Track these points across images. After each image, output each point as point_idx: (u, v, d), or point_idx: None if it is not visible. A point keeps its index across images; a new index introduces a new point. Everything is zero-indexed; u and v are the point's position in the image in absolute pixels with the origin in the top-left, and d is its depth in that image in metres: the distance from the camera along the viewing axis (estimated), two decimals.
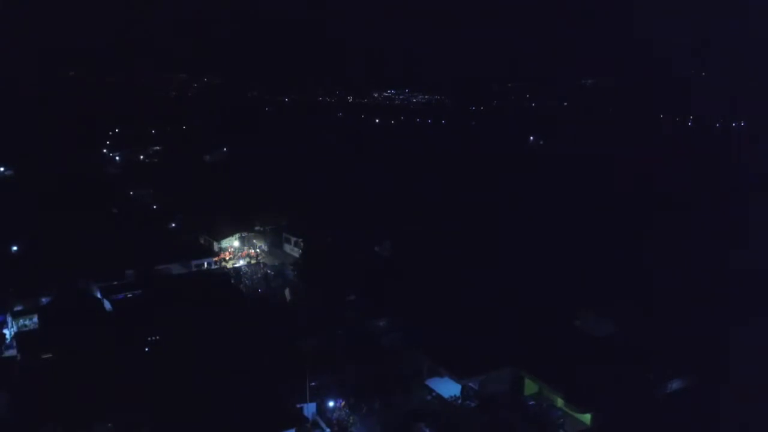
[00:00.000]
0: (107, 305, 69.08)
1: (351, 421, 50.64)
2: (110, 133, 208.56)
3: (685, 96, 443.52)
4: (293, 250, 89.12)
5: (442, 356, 57.62)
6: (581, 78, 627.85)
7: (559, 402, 54.20)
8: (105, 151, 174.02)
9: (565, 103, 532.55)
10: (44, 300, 69.65)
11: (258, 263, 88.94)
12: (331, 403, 50.86)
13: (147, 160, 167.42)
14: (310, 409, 51.77)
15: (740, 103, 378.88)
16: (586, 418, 51.89)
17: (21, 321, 67.23)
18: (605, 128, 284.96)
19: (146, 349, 56.98)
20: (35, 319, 67.94)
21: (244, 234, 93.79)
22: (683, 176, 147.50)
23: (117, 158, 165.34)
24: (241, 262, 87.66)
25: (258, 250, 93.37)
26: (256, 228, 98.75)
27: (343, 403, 51.67)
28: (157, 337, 58.36)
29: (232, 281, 78.08)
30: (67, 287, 69.90)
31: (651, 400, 52.92)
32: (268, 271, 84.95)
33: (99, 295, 72.08)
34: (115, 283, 74.96)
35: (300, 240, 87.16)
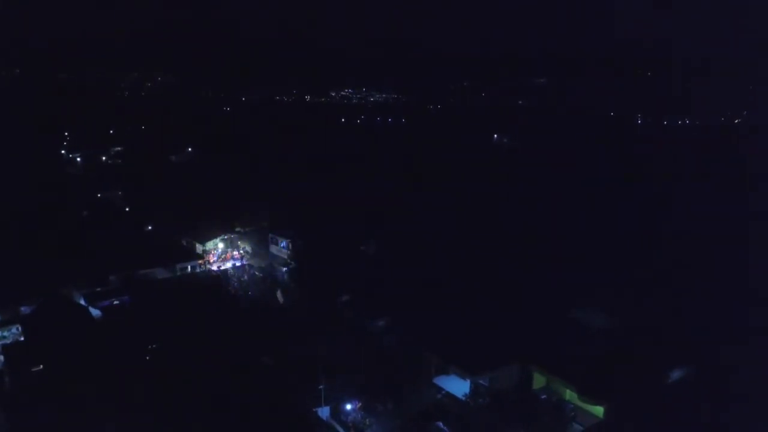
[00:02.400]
0: (94, 313, 65.80)
1: (367, 423, 49.76)
2: (65, 133, 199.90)
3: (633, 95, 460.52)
4: (280, 251, 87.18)
5: (451, 354, 57.33)
6: (534, 77, 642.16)
7: (568, 395, 54.72)
8: (63, 152, 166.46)
9: (520, 102, 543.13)
10: (24, 309, 65.78)
11: (243, 265, 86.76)
12: (348, 406, 49.81)
13: (110, 161, 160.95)
14: (323, 412, 50.67)
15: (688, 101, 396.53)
16: (597, 410, 52.42)
17: (0, 332, 63.38)
18: (565, 125, 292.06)
19: (147, 358, 54.34)
20: (13, 330, 64.33)
21: (228, 236, 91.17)
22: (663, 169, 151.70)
23: (78, 159, 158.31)
24: (228, 265, 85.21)
25: (242, 251, 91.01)
26: (237, 229, 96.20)
27: (359, 405, 50.71)
28: (157, 345, 55.79)
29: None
30: (49, 295, 66.15)
31: (656, 391, 53.91)
32: (256, 273, 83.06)
33: (83, 302, 68.60)
34: (99, 289, 71.43)
35: (288, 241, 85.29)
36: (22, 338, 61.71)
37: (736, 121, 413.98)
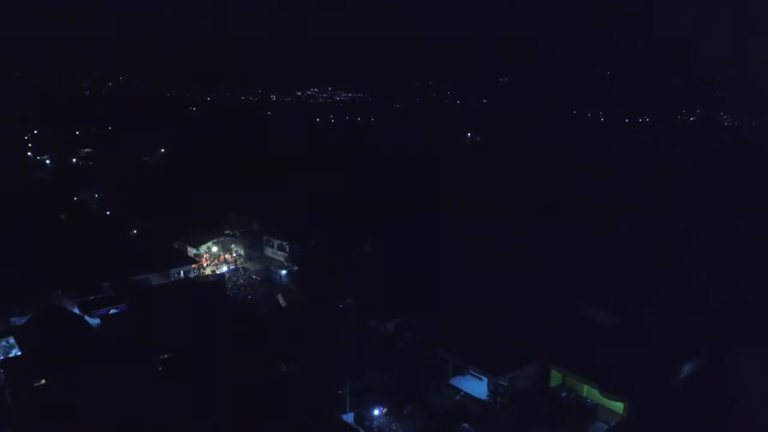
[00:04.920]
0: (91, 322, 62.88)
1: (393, 427, 48.85)
2: (27, 135, 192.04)
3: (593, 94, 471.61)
4: (276, 254, 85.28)
5: (470, 355, 56.90)
6: (499, 76, 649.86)
7: (586, 391, 54.90)
8: (30, 154, 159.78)
9: (485, 101, 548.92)
10: (15, 320, 62.49)
11: (238, 269, 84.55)
12: (376, 412, 48.77)
13: (81, 163, 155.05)
14: (347, 419, 49.53)
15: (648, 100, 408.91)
16: (617, 406, 52.68)
17: None
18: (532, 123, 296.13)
19: (160, 368, 52.08)
20: (3, 343, 60.97)
21: (220, 239, 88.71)
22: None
23: (47, 162, 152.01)
24: (224, 268, 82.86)
25: (235, 254, 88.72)
26: (226, 232, 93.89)
27: (385, 410, 49.70)
28: (168, 355, 53.54)
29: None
30: (41, 304, 63.00)
31: (673, 386, 54.52)
32: (253, 276, 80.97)
33: (77, 311, 65.51)
34: (92, 297, 68.41)
35: (285, 243, 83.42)
36: (17, 350, 58.54)
37: (692, 119, 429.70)
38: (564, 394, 54.46)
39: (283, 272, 79.78)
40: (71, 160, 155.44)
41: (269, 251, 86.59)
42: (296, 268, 78.34)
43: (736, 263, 74.24)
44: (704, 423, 47.92)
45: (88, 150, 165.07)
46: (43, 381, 51.38)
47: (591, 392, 54.33)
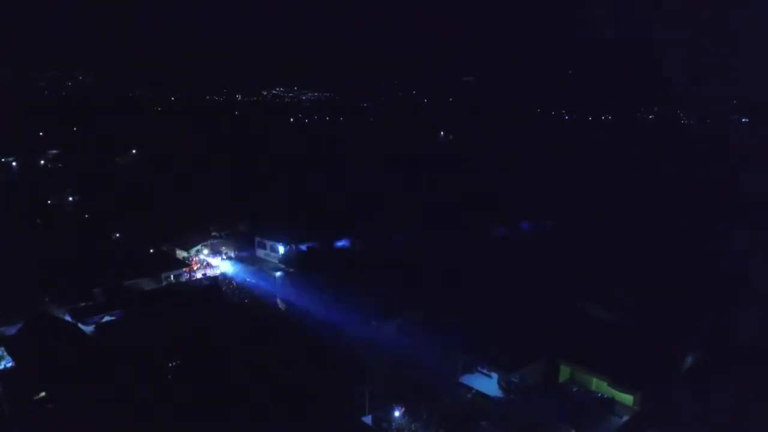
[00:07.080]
0: (85, 330, 60.34)
1: (413, 428, 48.34)
2: None
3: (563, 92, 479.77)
4: (269, 255, 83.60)
5: (480, 352, 56.79)
6: (463, 75, 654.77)
7: (594, 385, 55.42)
8: None
9: (450, 99, 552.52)
10: (5, 329, 59.47)
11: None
12: (396, 413, 48.14)
13: (50, 165, 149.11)
14: (366, 420, 48.79)
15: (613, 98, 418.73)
16: (626, 399, 53.31)
17: None
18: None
19: (169, 377, 50.26)
20: None
21: (209, 241, 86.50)
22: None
23: (13, 164, 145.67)
24: (218, 271, 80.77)
25: (225, 257, 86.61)
26: (213, 234, 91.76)
27: (403, 410, 49.14)
28: (176, 362, 51.72)
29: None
30: (31, 312, 60.15)
31: (677, 378, 55.49)
32: (247, 279, 79.20)
33: (69, 319, 62.82)
34: (83, 304, 65.74)
35: (278, 244, 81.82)
36: (7, 361, 55.75)
37: (650, 116, 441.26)
38: (575, 389, 54.94)
39: (278, 274, 78.26)
40: (39, 162, 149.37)
41: (261, 253, 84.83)
42: (291, 269, 76.95)
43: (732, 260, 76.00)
44: (711, 414, 48.97)
45: (55, 151, 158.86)
46: (43, 393, 49.04)
47: (600, 386, 54.79)
